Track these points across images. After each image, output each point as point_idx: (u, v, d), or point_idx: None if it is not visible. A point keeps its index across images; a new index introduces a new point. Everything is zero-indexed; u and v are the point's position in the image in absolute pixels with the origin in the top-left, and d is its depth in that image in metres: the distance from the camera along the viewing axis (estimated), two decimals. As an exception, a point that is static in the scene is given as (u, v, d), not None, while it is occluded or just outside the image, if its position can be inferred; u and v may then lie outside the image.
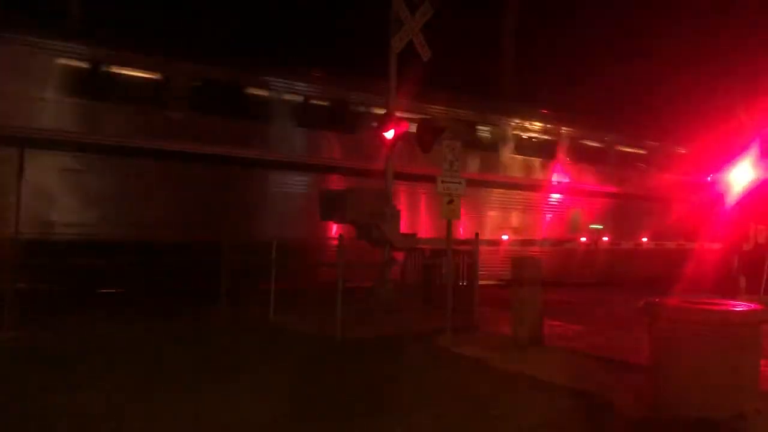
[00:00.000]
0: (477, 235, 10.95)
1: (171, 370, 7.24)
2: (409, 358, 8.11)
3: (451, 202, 9.62)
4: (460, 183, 9.64)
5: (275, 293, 10.82)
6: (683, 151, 23.82)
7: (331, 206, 12.21)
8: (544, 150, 20.32)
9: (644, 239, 21.83)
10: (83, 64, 13.53)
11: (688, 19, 27.20)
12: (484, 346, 8.82)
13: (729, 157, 17.21)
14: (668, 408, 5.58)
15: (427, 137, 12.17)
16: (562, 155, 20.64)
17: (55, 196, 12.90)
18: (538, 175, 20.15)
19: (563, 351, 8.55)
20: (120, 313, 10.94)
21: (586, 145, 21.36)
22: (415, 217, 16.49)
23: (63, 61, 13.25)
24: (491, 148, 19.24)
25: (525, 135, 20.04)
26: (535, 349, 8.67)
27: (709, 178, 20.62)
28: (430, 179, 10.11)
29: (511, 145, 19.56)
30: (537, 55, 27.40)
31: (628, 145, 22.59)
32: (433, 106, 17.37)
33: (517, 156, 19.70)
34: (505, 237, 18.60)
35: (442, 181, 9.53)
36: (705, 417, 5.33)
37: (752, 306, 5.78)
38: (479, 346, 8.76)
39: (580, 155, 21.00)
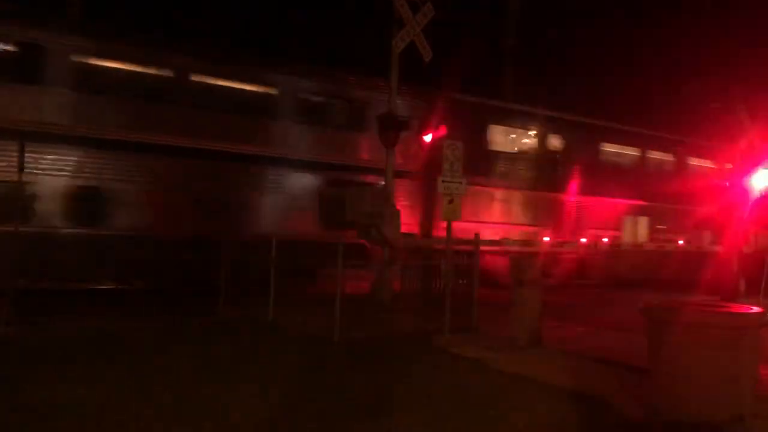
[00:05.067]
0: (477, 235, 10.90)
1: (163, 370, 7.20)
2: (407, 359, 8.07)
3: (451, 201, 9.58)
4: (460, 183, 9.60)
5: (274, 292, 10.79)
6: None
7: (331, 207, 12.18)
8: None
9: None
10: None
11: (695, 20, 27.26)
12: (482, 347, 8.78)
13: (749, 163, 17.10)
14: (668, 411, 5.55)
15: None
16: None
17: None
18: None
19: (562, 352, 8.51)
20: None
21: None
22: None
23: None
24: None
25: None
26: (534, 350, 8.64)
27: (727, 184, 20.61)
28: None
29: None
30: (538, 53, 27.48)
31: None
32: None
33: None
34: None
35: (443, 181, 9.50)
36: (704, 420, 5.30)
37: (752, 309, 5.76)
38: (478, 347, 8.73)
39: None
